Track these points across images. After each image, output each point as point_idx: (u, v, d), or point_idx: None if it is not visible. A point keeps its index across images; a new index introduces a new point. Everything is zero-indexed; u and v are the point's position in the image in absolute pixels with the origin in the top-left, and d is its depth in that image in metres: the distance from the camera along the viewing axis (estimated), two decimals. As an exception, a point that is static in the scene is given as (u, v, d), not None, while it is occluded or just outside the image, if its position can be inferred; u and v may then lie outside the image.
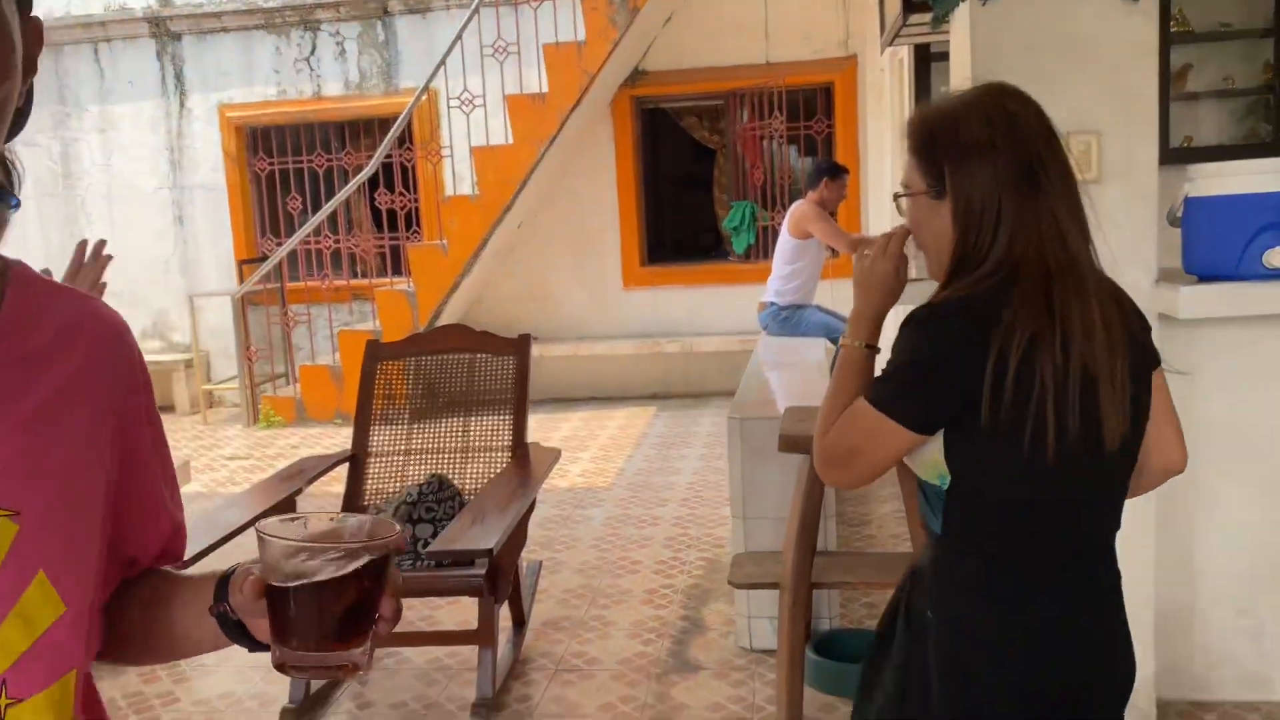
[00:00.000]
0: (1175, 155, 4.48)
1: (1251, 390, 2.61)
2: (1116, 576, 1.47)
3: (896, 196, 1.55)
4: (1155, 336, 2.32)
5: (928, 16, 3.28)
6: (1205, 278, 2.50)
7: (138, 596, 0.91)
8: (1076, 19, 2.54)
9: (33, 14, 0.75)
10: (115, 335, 0.87)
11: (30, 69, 0.75)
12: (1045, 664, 1.39)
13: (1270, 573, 2.71)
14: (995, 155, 1.37)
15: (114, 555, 0.85)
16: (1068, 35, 2.55)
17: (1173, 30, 4.54)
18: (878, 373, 1.47)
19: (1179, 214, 2.57)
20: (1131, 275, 2.53)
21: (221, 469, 6.15)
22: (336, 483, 3.61)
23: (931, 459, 1.41)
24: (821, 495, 2.78)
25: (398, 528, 0.80)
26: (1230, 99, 4.80)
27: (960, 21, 2.81)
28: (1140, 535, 2.60)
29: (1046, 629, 1.40)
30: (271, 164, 8.24)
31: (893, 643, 1.52)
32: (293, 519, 0.82)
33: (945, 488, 1.41)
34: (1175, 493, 2.65)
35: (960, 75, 2.87)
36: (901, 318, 1.43)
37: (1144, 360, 1.43)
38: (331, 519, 0.83)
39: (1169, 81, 4.47)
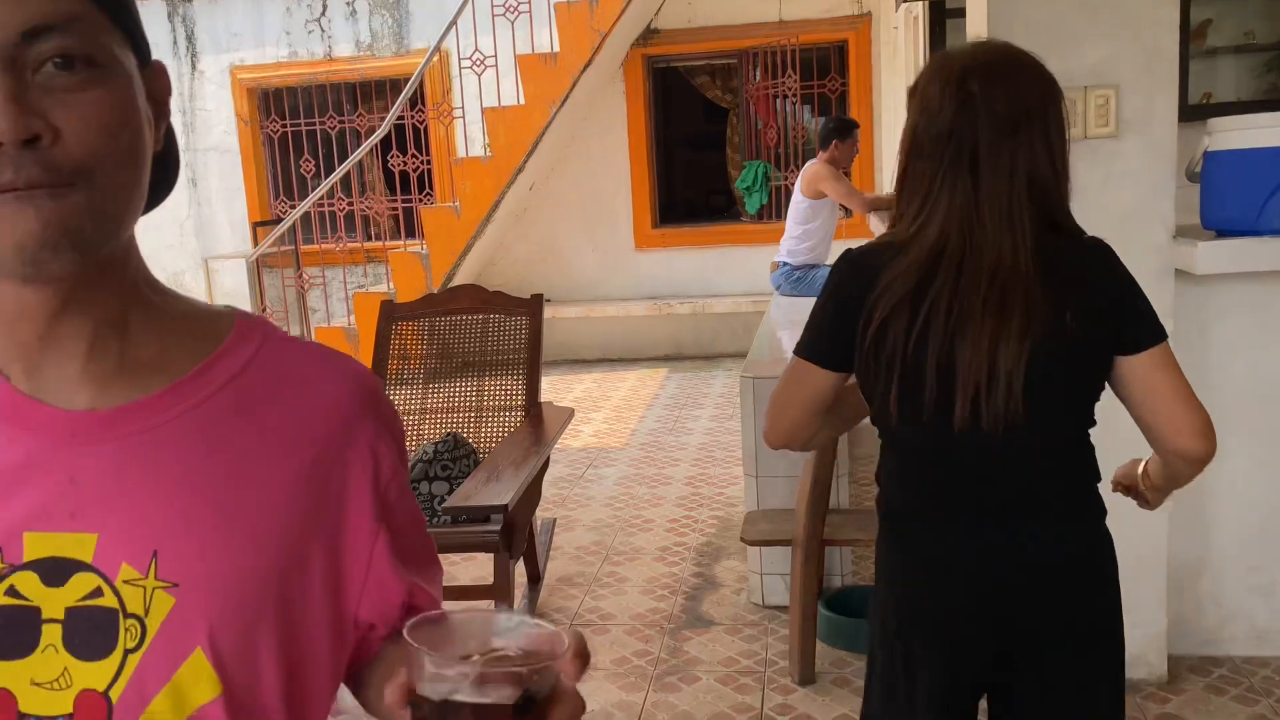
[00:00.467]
0: (1195, 112, 4.43)
1: (1269, 347, 2.60)
2: (1050, 532, 1.45)
3: None
4: (1172, 295, 2.31)
5: (944, -30, 3.23)
6: (1224, 233, 2.48)
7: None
8: (1096, -31, 2.50)
9: (153, 60, 0.74)
10: (347, 394, 0.78)
11: (161, 114, 0.75)
12: (919, 593, 1.49)
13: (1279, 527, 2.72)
14: (933, 127, 1.40)
15: (345, 622, 0.78)
16: (1086, -15, 2.52)
17: (1194, -18, 4.48)
18: None
19: (1198, 169, 2.54)
20: (1149, 231, 2.52)
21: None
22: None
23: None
24: (834, 455, 2.79)
25: (565, 639, 0.66)
26: (1250, 54, 4.74)
27: (977, -27, 2.77)
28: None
29: (921, 562, 1.49)
30: (284, 126, 8.22)
31: None
32: (444, 617, 0.70)
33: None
34: (1189, 449, 2.67)
35: (976, 29, 2.83)
36: None
37: (1074, 348, 1.40)
38: (489, 614, 0.72)
39: (1188, 36, 4.42)
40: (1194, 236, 2.54)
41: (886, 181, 7.30)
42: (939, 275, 1.38)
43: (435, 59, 7.21)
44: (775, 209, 7.63)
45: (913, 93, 1.46)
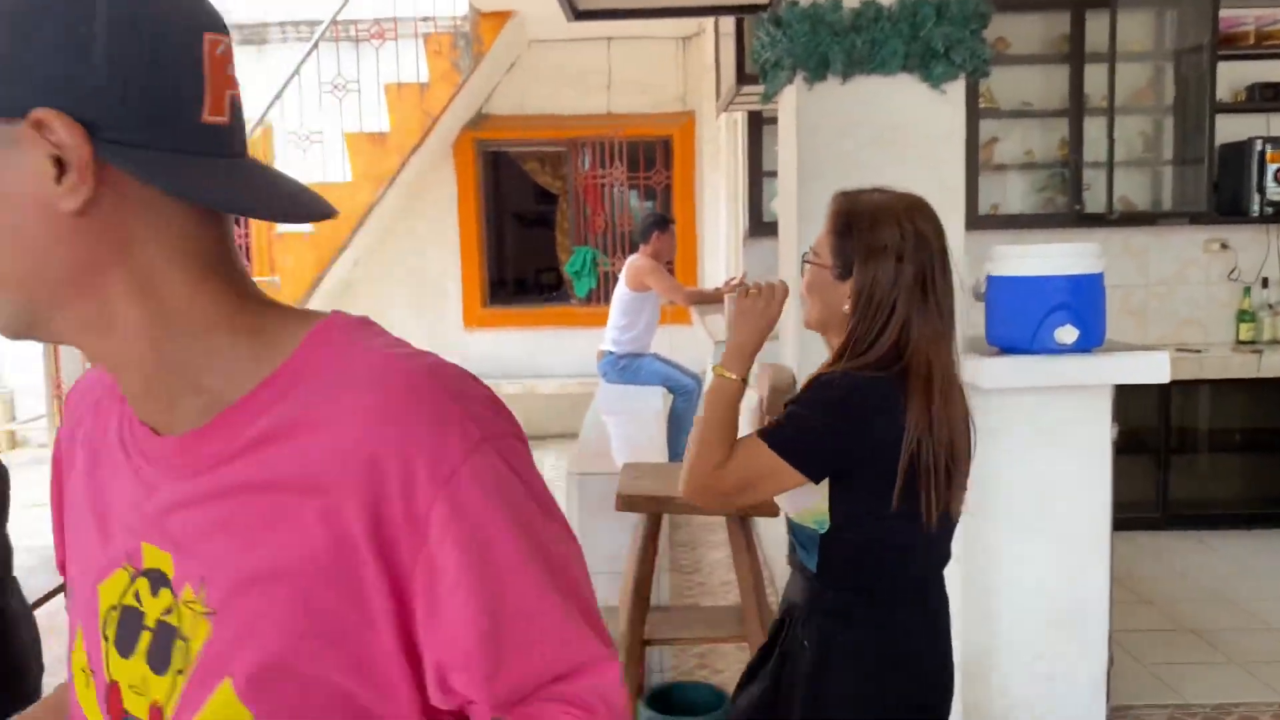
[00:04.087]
0: (983, 221, 4.86)
1: (1041, 452, 2.85)
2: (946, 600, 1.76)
3: (805, 260, 1.75)
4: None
5: (759, 88, 3.45)
6: (1005, 350, 2.72)
7: None
8: (891, 107, 2.74)
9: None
10: (361, 424, 0.68)
11: (74, 162, 0.65)
12: (897, 674, 1.65)
13: (1059, 620, 2.94)
14: (900, 265, 1.61)
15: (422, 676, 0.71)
16: (883, 122, 2.74)
17: (981, 106, 4.93)
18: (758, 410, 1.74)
19: (982, 290, 2.78)
20: (940, 346, 2.74)
21: (25, 517, 5.72)
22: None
23: (815, 507, 1.64)
24: (656, 553, 2.85)
25: None
26: (1031, 171, 5.22)
27: (787, 101, 2.97)
28: (947, 585, 2.79)
29: (898, 644, 1.66)
30: (89, 191, 7.81)
31: (762, 671, 1.78)
32: None
33: (822, 533, 1.64)
34: (978, 545, 2.87)
35: (787, 149, 3.03)
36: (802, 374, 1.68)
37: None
38: None
39: (977, 156, 4.84)
40: (980, 351, 2.77)
41: (708, 272, 7.59)
42: (934, 390, 1.60)
43: (259, 132, 7.06)
44: (604, 293, 7.77)
45: (860, 246, 1.65)
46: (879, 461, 1.57)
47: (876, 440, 1.57)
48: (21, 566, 2.10)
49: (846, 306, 1.65)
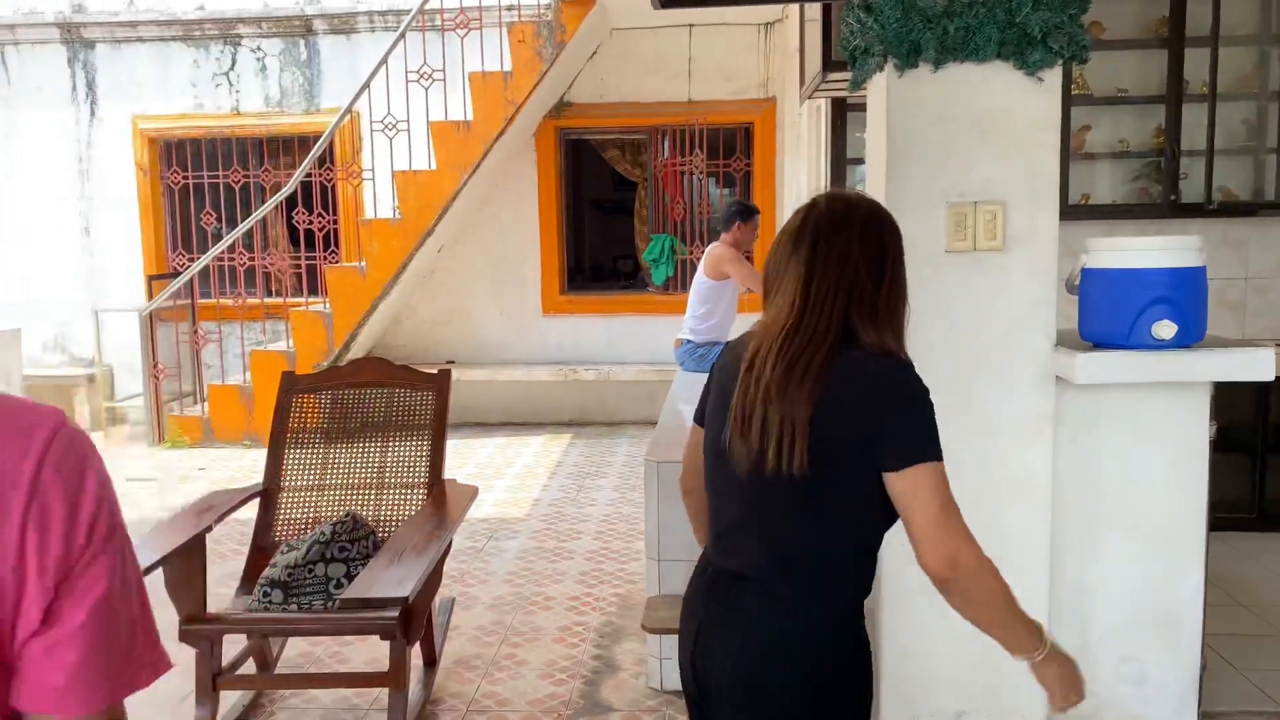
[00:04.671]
0: (1073, 212, 4.73)
1: (1137, 451, 2.77)
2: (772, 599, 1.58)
3: None
4: (1053, 400, 2.45)
5: (846, 75, 3.40)
6: (1099, 345, 2.65)
7: None
8: (984, 95, 2.67)
9: None
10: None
11: None
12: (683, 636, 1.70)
13: (1151, 622, 2.86)
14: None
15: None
16: (977, 109, 2.68)
17: (1073, 93, 4.79)
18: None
19: (1076, 282, 2.71)
20: (1032, 340, 2.68)
21: (123, 491, 5.96)
22: (246, 512, 3.55)
23: None
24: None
25: None
26: (1124, 160, 5.06)
27: (877, 88, 2.93)
28: (1036, 580, 2.74)
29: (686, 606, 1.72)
30: (186, 178, 8.07)
31: None
32: None
33: None
34: (1068, 543, 2.81)
35: (875, 138, 2.99)
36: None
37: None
38: None
39: (1068, 145, 4.72)
40: (1073, 345, 2.71)
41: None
42: None
43: (346, 119, 7.20)
44: (680, 281, 7.78)
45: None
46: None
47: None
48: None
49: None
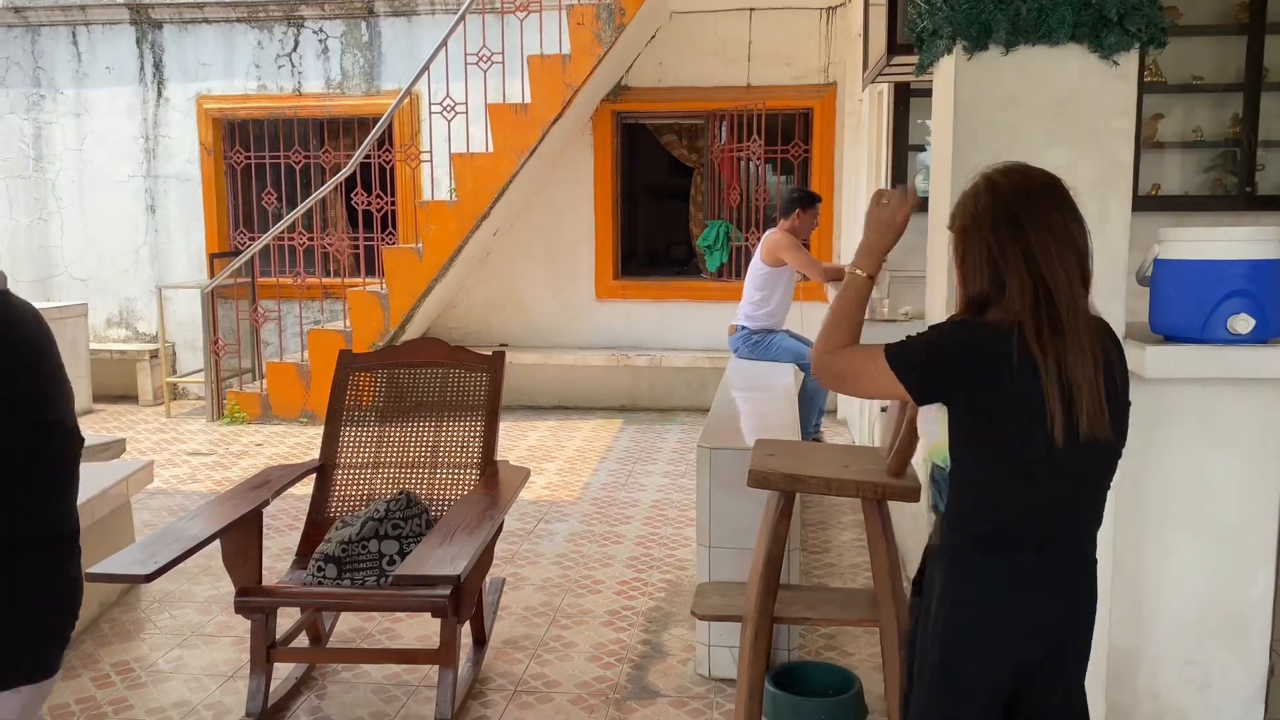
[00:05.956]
0: (1143, 203, 4.59)
1: (1209, 449, 2.68)
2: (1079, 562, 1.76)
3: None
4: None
5: (911, 58, 3.33)
6: (1171, 338, 2.56)
7: None
8: (1056, 79, 2.60)
9: None
10: None
11: None
12: (977, 630, 1.71)
13: (1217, 625, 2.78)
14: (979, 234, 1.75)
15: None
16: (1047, 95, 2.61)
17: (1146, 80, 4.66)
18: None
19: (1148, 273, 2.63)
20: (1099, 332, 2.60)
21: (183, 465, 6.09)
22: (302, 487, 3.59)
23: (939, 444, 1.75)
24: (787, 531, 2.82)
25: None
26: (1197, 150, 4.92)
27: (944, 72, 2.86)
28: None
29: (992, 596, 1.71)
30: (248, 158, 8.18)
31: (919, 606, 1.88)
32: None
33: (947, 471, 1.73)
34: (1131, 542, 2.73)
35: (941, 123, 2.92)
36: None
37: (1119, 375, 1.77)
38: None
39: (1139, 133, 4.59)
40: (1141, 337, 2.63)
41: (844, 251, 7.43)
42: (1045, 332, 1.69)
43: (405, 101, 7.24)
44: (735, 268, 7.72)
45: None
46: (976, 404, 1.65)
47: (973, 380, 1.65)
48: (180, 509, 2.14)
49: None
